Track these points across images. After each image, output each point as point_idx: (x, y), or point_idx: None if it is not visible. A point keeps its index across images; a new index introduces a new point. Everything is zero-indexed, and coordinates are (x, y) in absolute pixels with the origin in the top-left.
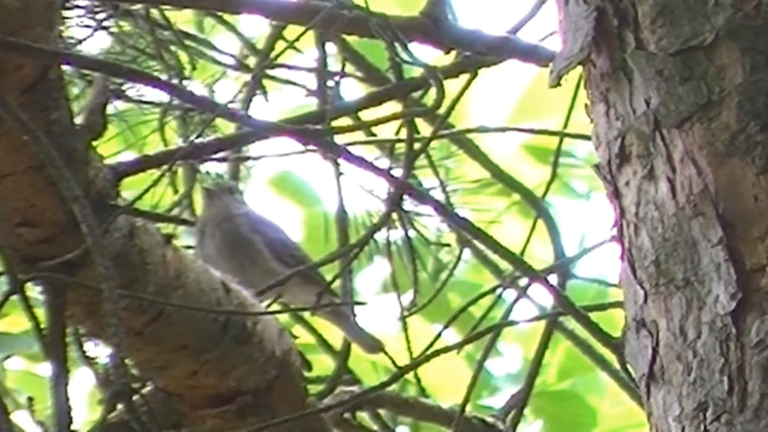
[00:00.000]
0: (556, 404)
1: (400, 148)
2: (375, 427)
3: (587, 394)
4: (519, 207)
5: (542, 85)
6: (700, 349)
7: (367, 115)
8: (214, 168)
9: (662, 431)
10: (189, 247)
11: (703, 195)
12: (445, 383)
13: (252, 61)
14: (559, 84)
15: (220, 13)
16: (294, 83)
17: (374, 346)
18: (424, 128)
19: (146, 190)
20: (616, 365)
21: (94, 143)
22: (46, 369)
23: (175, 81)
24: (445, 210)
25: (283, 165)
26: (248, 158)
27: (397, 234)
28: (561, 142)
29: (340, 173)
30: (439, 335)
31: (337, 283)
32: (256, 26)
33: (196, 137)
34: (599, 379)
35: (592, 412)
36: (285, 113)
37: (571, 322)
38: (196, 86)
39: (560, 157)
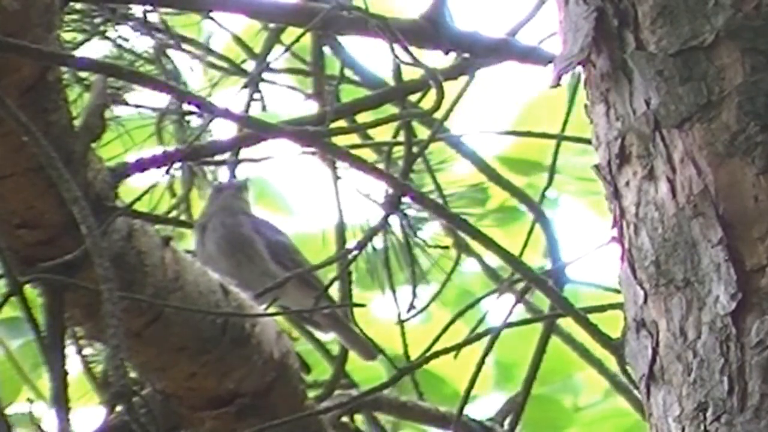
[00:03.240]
0: (533, 408)
1: (398, 151)
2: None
3: (563, 395)
4: (504, 215)
5: (539, 101)
6: (700, 349)
7: (364, 118)
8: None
9: (662, 431)
10: (188, 251)
11: (703, 195)
12: None
13: (249, 65)
14: (559, 84)
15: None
16: (292, 87)
17: (371, 352)
18: (420, 133)
19: (145, 192)
20: (613, 368)
21: (93, 145)
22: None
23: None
24: (445, 212)
25: (257, 171)
26: (246, 160)
27: (394, 238)
28: (558, 145)
29: (338, 177)
30: (437, 338)
31: (334, 291)
32: (252, 29)
33: (194, 139)
34: (574, 380)
35: (567, 414)
36: (283, 117)
37: (567, 325)
38: (193, 90)
39: (533, 168)
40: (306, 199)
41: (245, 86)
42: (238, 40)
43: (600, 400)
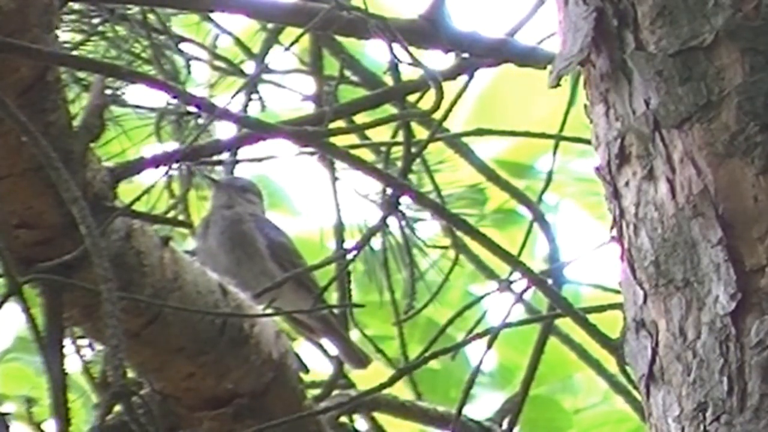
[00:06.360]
0: (532, 409)
1: (397, 151)
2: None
3: (562, 396)
4: (502, 217)
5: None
6: (699, 349)
7: (363, 118)
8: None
9: (662, 431)
10: (187, 251)
11: (703, 195)
12: None
13: (248, 65)
14: (558, 84)
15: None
16: (290, 88)
17: (362, 360)
18: (419, 133)
19: (144, 192)
20: (611, 369)
21: (92, 145)
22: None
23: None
24: (444, 212)
25: (259, 169)
26: (246, 160)
27: (392, 238)
28: (557, 145)
29: (336, 177)
30: (435, 338)
31: (331, 294)
32: (250, 29)
33: (194, 140)
34: (573, 381)
35: (567, 416)
36: (281, 117)
37: (565, 326)
38: (191, 91)
39: (528, 171)
40: (304, 199)
41: (243, 87)
42: (237, 41)
43: (599, 402)
